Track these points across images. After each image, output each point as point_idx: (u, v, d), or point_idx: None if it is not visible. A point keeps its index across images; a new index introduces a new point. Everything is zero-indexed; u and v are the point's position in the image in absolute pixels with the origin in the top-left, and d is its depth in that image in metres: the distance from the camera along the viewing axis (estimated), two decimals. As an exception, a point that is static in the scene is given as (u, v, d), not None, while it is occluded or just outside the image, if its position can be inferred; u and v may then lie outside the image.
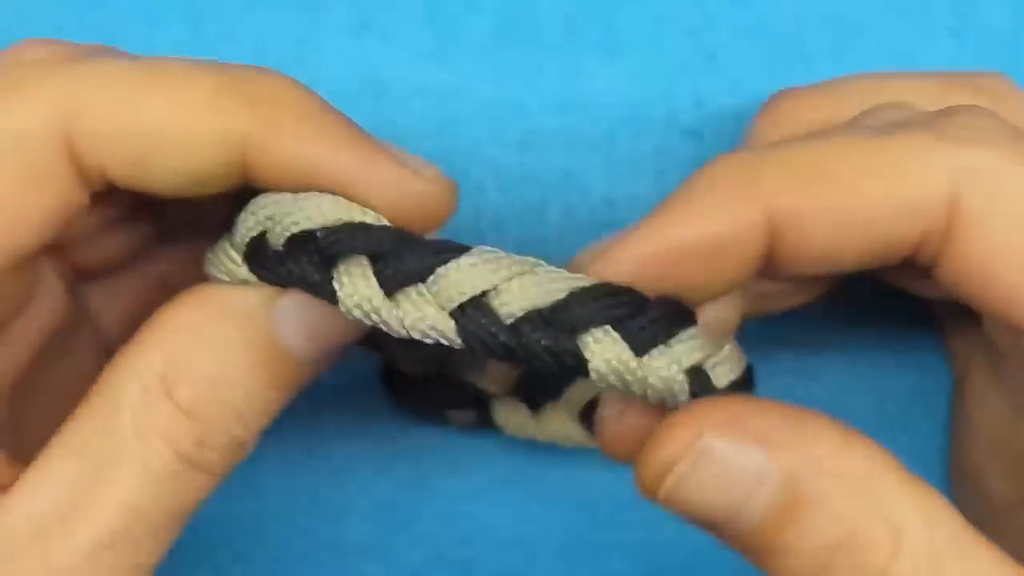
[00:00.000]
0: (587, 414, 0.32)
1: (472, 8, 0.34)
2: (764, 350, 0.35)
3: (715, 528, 0.24)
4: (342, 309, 0.25)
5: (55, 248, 0.29)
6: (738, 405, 0.24)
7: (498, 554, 0.36)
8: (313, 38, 0.35)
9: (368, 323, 0.25)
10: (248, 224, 0.26)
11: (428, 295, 0.25)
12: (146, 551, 0.24)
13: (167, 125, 0.25)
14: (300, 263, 0.25)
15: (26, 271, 0.28)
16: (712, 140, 0.35)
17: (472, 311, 0.25)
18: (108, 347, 0.32)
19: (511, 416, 0.32)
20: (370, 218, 0.25)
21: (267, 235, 0.26)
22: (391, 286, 0.25)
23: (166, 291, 0.33)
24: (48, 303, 0.29)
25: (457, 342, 0.25)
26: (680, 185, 0.25)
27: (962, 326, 0.32)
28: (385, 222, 0.25)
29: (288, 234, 0.25)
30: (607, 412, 0.27)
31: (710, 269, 0.25)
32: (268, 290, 0.25)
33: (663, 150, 0.35)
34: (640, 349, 0.25)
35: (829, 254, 0.25)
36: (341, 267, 0.25)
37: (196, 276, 0.33)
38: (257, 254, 0.26)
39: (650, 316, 0.25)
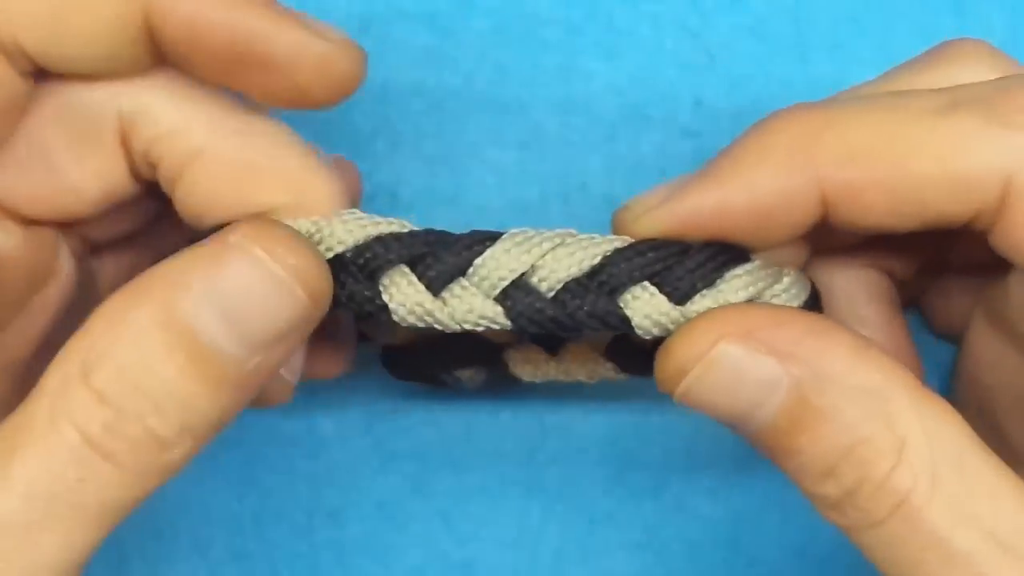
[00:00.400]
0: (613, 348, 0.32)
1: (472, 8, 0.34)
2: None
3: (730, 428, 0.25)
4: (395, 318, 0.26)
5: (68, 224, 0.29)
6: (760, 314, 0.25)
7: (498, 554, 0.36)
8: (313, 38, 0.35)
9: (422, 326, 0.26)
10: None
11: (472, 287, 0.26)
12: (48, 543, 0.23)
13: None
14: (345, 285, 0.26)
15: (47, 248, 0.28)
16: (712, 140, 0.35)
17: (515, 292, 0.26)
18: None
19: (528, 362, 0.32)
20: (395, 227, 0.26)
21: None
22: (436, 286, 0.26)
23: (146, 254, 0.33)
24: (64, 280, 0.29)
25: (508, 325, 0.26)
26: (733, 142, 0.26)
27: (961, 296, 0.32)
28: (412, 227, 0.26)
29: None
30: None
31: (759, 231, 0.26)
32: (186, 271, 0.24)
33: (663, 150, 0.35)
34: (682, 298, 0.26)
35: (881, 223, 0.26)
36: (385, 280, 0.26)
37: (173, 242, 0.34)
38: None
39: (689, 265, 0.26)
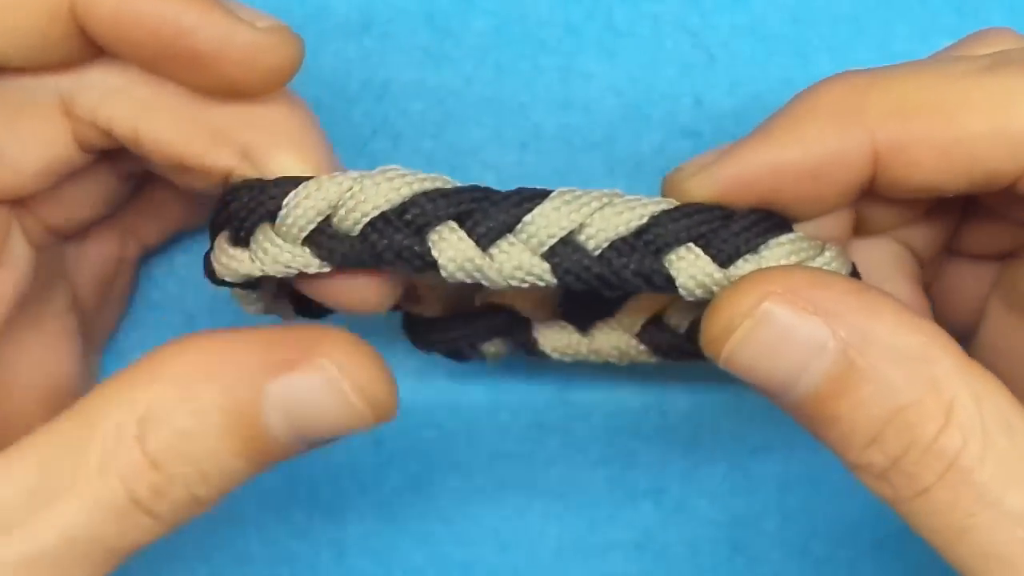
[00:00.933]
0: (647, 330, 0.31)
1: (472, 8, 0.34)
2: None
3: (774, 395, 0.25)
4: (444, 274, 0.26)
5: (24, 208, 0.29)
6: (803, 275, 0.25)
7: (498, 554, 0.36)
8: (313, 38, 0.35)
9: (469, 281, 0.26)
10: (307, 216, 0.26)
11: (520, 244, 0.26)
12: None
13: None
14: (393, 240, 0.26)
15: None
16: (712, 140, 0.35)
17: (563, 249, 0.26)
18: (79, 303, 0.32)
19: (557, 338, 0.32)
20: (439, 183, 0.26)
21: (332, 220, 0.26)
22: (484, 242, 0.26)
23: (131, 243, 0.33)
24: (17, 268, 0.29)
25: (553, 282, 0.26)
26: (784, 106, 0.27)
27: (974, 284, 0.32)
28: (455, 183, 0.27)
29: (368, 219, 0.26)
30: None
31: (811, 192, 0.26)
32: (263, 361, 0.25)
33: (663, 150, 0.35)
34: (725, 261, 0.26)
35: (931, 182, 0.26)
36: (433, 235, 0.26)
37: (160, 226, 0.34)
38: (323, 240, 0.26)
39: (734, 229, 0.26)
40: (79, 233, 0.32)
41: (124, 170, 0.31)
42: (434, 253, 0.26)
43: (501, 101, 0.35)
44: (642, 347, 0.31)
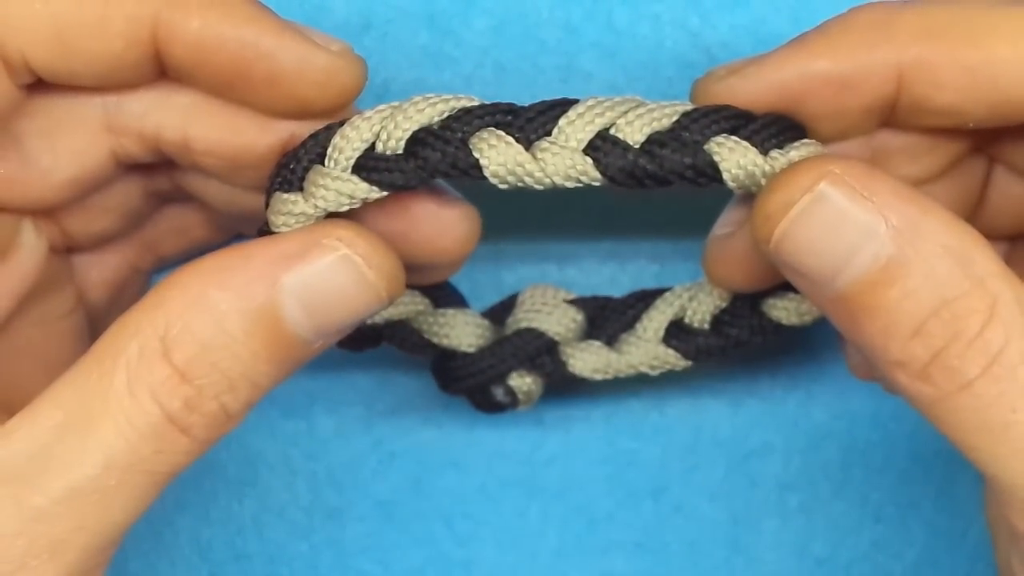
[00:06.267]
0: (671, 334, 0.32)
1: (472, 8, 0.34)
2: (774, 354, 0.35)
3: (819, 282, 0.25)
4: (487, 174, 0.27)
5: (46, 213, 0.29)
6: (860, 164, 0.25)
7: (498, 554, 0.36)
8: (313, 38, 0.35)
9: (513, 182, 0.27)
10: (353, 144, 0.27)
11: (559, 143, 0.27)
12: (119, 507, 0.25)
13: (81, 8, 0.26)
14: (437, 149, 0.27)
15: (4, 228, 0.28)
16: (712, 140, 0.35)
17: (602, 144, 0.27)
18: (92, 316, 0.32)
19: (588, 358, 0.32)
20: (475, 102, 0.27)
21: (376, 146, 0.27)
22: (524, 144, 0.27)
23: (149, 256, 0.33)
24: (26, 261, 0.29)
25: (598, 177, 0.27)
26: (815, 26, 0.27)
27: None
28: (482, 101, 0.27)
29: (409, 135, 0.27)
30: (716, 233, 0.29)
31: (835, 104, 0.27)
32: (273, 259, 0.26)
33: (663, 150, 0.35)
34: (763, 151, 0.27)
35: (953, 106, 0.27)
36: (475, 141, 0.27)
37: (179, 243, 0.34)
38: (369, 164, 0.27)
39: (761, 123, 0.27)
40: (95, 244, 0.32)
41: (149, 187, 0.31)
42: (475, 155, 0.27)
43: (501, 101, 0.35)
44: (670, 352, 0.32)
